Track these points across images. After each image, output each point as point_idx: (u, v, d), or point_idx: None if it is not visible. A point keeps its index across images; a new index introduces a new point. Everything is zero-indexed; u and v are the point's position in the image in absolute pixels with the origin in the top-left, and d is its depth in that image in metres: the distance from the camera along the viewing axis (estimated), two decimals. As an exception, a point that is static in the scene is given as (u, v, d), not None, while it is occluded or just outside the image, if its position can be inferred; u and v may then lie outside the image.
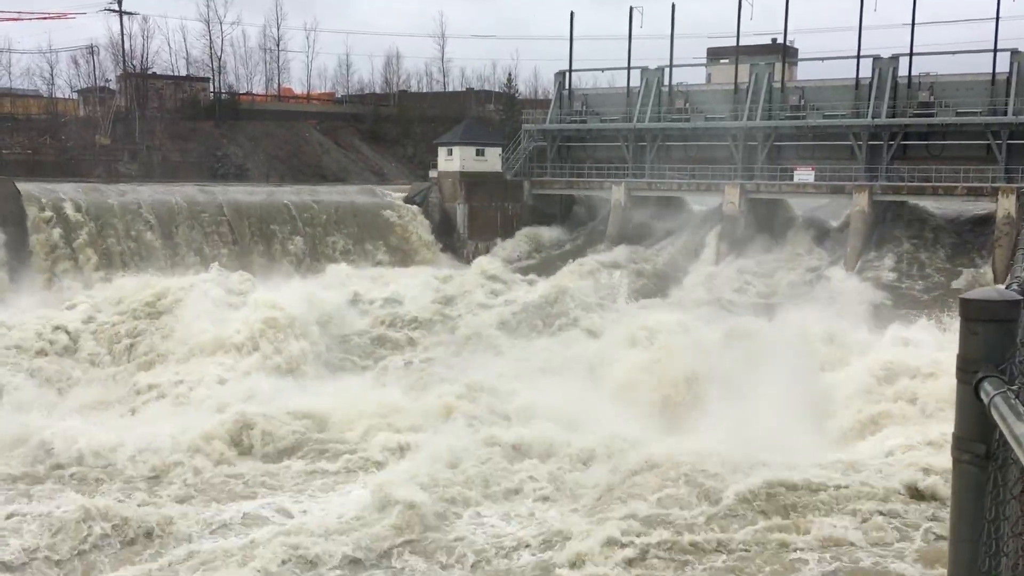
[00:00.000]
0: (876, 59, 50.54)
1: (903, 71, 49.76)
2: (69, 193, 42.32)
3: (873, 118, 49.21)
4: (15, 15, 78.17)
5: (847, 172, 49.18)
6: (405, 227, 52.34)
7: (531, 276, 47.60)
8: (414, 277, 44.24)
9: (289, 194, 50.56)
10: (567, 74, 60.67)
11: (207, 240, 44.37)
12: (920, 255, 45.15)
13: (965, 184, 45.41)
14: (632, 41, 57.55)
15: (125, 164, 61.36)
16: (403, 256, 50.92)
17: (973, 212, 47.59)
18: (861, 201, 46.38)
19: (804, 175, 50.08)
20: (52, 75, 75.98)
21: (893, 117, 49.17)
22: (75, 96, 74.57)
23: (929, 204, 48.67)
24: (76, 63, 74.46)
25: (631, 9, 57.72)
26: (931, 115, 48.42)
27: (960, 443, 4.03)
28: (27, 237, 39.46)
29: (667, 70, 56.83)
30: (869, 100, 49.81)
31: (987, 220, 45.13)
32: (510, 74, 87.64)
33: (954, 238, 46.56)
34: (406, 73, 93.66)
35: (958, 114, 47.75)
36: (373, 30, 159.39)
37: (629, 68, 57.86)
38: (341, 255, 48.41)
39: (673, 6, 56.22)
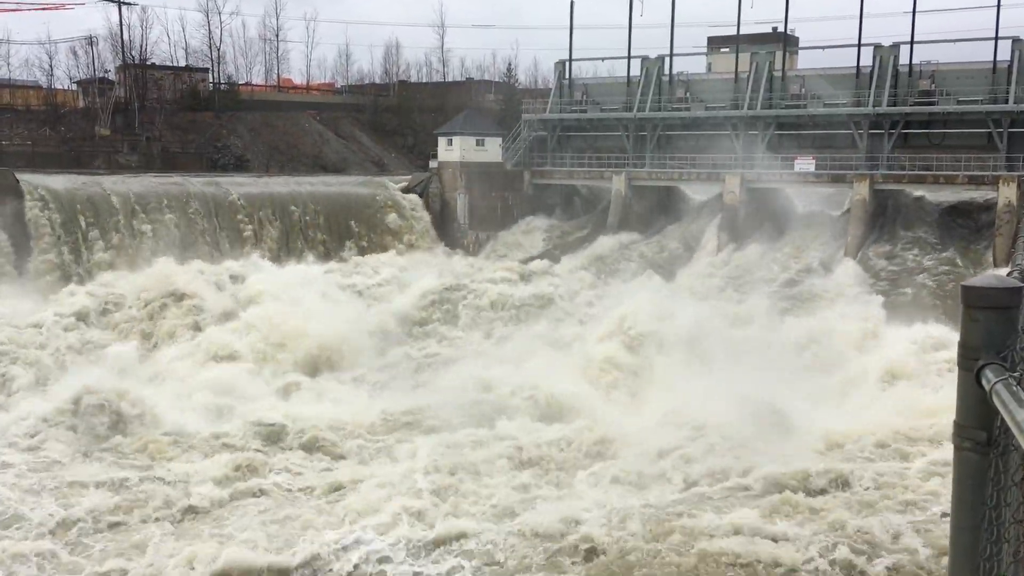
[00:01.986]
0: (877, 47, 50.41)
1: (904, 59, 49.64)
2: (68, 184, 42.31)
3: (874, 107, 49.11)
4: (14, 6, 78.00)
5: (848, 161, 49.10)
6: (405, 217, 52.36)
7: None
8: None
9: (287, 184, 50.52)
10: (567, 63, 60.52)
11: (219, 232, 44.37)
12: (921, 243, 45.09)
13: (966, 173, 45.35)
14: (632, 30, 57.49)
15: (125, 155, 61.32)
16: (403, 246, 50.94)
17: (974, 200, 47.53)
18: (862, 190, 46.33)
19: (805, 164, 49.99)
20: (51, 66, 75.83)
21: (894, 106, 49.07)
22: (74, 87, 74.44)
23: (930, 193, 48.61)
24: (75, 54, 74.33)
25: (631, -2, 57.56)
26: (932, 104, 48.32)
27: (961, 430, 4.03)
28: (28, 228, 39.46)
29: (667, 59, 56.70)
30: (870, 89, 49.70)
31: (988, 208, 45.09)
32: (510, 64, 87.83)
33: (955, 226, 46.51)
34: (406, 63, 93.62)
35: (959, 103, 47.65)
36: (373, 20, 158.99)
37: (629, 57, 57.75)
38: (341, 246, 48.51)
39: (673, -5, 56.03)
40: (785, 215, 51.40)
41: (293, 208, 48.00)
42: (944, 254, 44.10)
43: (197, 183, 46.88)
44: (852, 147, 50.17)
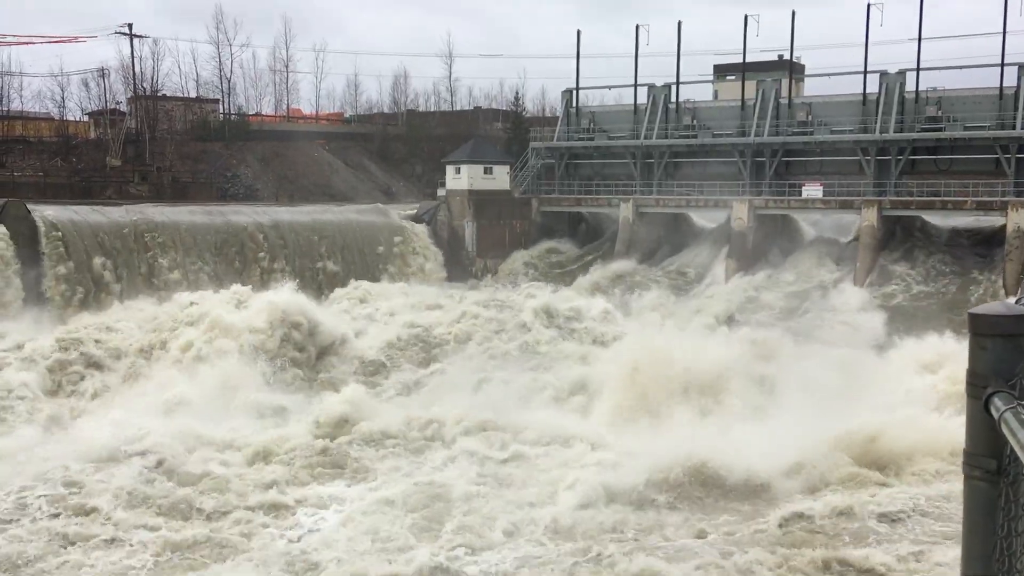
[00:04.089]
0: (883, 74, 50.62)
1: (910, 86, 49.82)
2: (79, 215, 42.61)
3: (881, 133, 49.22)
4: (26, 39, 79.02)
5: (856, 187, 49.15)
6: (413, 245, 52.53)
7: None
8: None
9: (298, 214, 50.76)
10: (574, 92, 60.91)
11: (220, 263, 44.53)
12: (930, 270, 45.00)
13: (974, 199, 45.31)
14: (639, 59, 57.88)
15: (136, 185, 61.76)
16: (412, 274, 51.06)
17: (984, 227, 47.46)
18: (870, 216, 46.31)
19: (812, 190, 50.06)
20: (63, 98, 76.64)
21: (901, 132, 49.17)
22: (86, 118, 75.20)
23: (938, 219, 48.57)
24: (87, 86, 75.21)
25: (637, 27, 58.12)
26: (939, 129, 48.39)
27: (971, 459, 4.01)
28: (40, 258, 39.69)
29: (674, 87, 57.02)
30: (877, 115, 49.84)
31: (997, 234, 44.99)
32: (517, 92, 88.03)
33: (964, 252, 46.40)
34: (414, 93, 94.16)
35: (966, 128, 47.71)
36: (381, 51, 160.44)
37: (636, 85, 58.08)
38: (348, 275, 48.65)
39: (679, 23, 56.55)
40: (793, 242, 51.42)
41: (301, 238, 48.19)
42: (953, 281, 43.97)
43: (205, 213, 47.15)
44: (859, 173, 50.23)
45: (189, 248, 44.00)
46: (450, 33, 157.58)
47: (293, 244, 47.61)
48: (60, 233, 40.47)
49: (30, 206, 41.26)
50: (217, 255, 44.72)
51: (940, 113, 48.76)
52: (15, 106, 74.69)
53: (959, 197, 45.79)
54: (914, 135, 48.82)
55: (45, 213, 41.21)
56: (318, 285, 46.61)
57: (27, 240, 39.70)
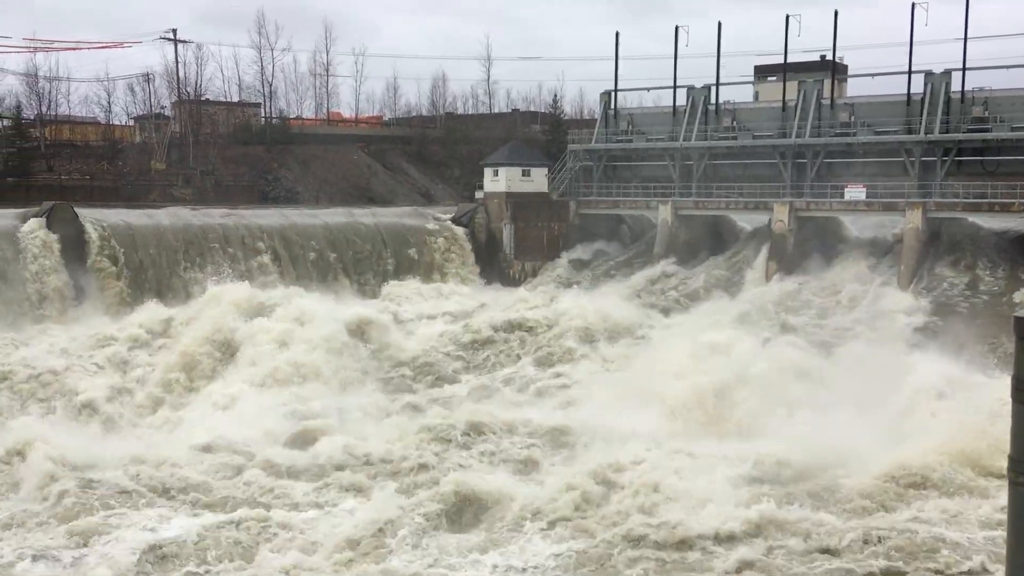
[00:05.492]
0: (928, 74, 49.76)
1: (956, 86, 48.90)
2: (124, 217, 43.37)
3: (926, 134, 48.38)
4: (74, 45, 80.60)
5: (900, 189, 48.36)
6: (451, 247, 52.72)
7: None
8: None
9: (336, 216, 51.16)
10: (612, 94, 60.68)
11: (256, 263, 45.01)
12: (975, 273, 44.09)
13: (1022, 200, 44.38)
14: (678, 60, 57.46)
15: (179, 188, 62.72)
16: (450, 277, 51.25)
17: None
18: (914, 218, 45.54)
19: (855, 192, 49.36)
20: (109, 102, 78.20)
21: (946, 133, 48.29)
22: (131, 123, 76.53)
23: (985, 221, 47.61)
24: (132, 91, 76.64)
25: (676, 28, 57.72)
26: (986, 130, 47.45)
27: (1016, 465, 3.94)
28: (88, 260, 40.44)
29: (714, 88, 56.58)
30: (921, 116, 49.00)
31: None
32: (555, 95, 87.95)
33: (1011, 255, 45.43)
34: (452, 96, 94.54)
35: (1013, 129, 46.73)
36: (420, 54, 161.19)
37: (675, 87, 57.69)
38: (389, 276, 48.97)
39: (720, 24, 56.10)
40: (836, 244, 50.70)
41: (338, 239, 48.56)
42: (1000, 284, 43.07)
43: (248, 215, 47.74)
44: (903, 175, 49.40)
45: (236, 251, 44.56)
46: (488, 36, 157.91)
47: (317, 248, 47.75)
48: (106, 236, 41.21)
49: (77, 209, 42.08)
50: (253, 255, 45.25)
51: (987, 114, 47.80)
52: (62, 110, 76.29)
53: (1006, 199, 44.87)
54: (960, 136, 47.91)
55: (91, 216, 41.98)
56: (355, 287, 46.93)
57: (74, 242, 40.49)
